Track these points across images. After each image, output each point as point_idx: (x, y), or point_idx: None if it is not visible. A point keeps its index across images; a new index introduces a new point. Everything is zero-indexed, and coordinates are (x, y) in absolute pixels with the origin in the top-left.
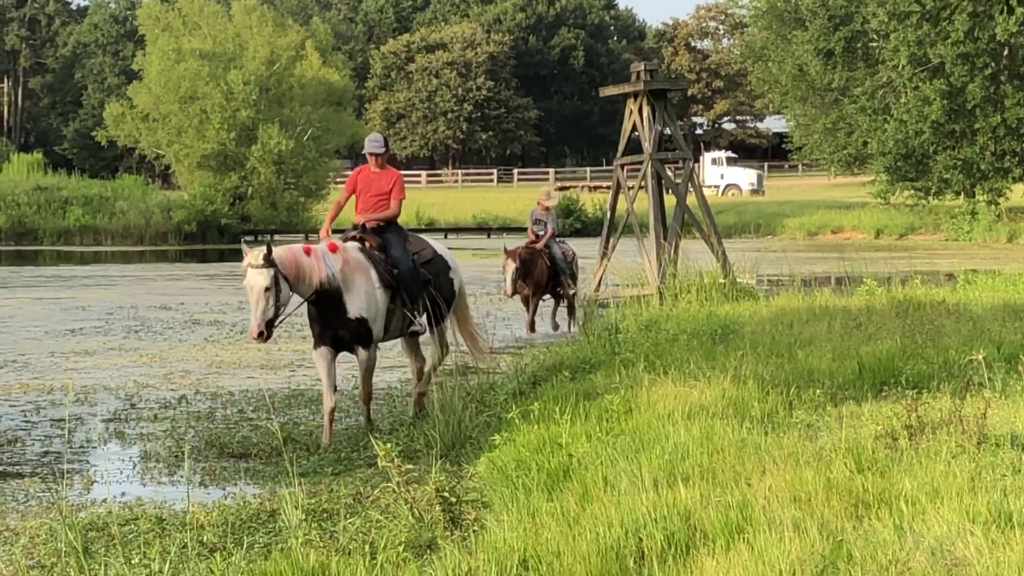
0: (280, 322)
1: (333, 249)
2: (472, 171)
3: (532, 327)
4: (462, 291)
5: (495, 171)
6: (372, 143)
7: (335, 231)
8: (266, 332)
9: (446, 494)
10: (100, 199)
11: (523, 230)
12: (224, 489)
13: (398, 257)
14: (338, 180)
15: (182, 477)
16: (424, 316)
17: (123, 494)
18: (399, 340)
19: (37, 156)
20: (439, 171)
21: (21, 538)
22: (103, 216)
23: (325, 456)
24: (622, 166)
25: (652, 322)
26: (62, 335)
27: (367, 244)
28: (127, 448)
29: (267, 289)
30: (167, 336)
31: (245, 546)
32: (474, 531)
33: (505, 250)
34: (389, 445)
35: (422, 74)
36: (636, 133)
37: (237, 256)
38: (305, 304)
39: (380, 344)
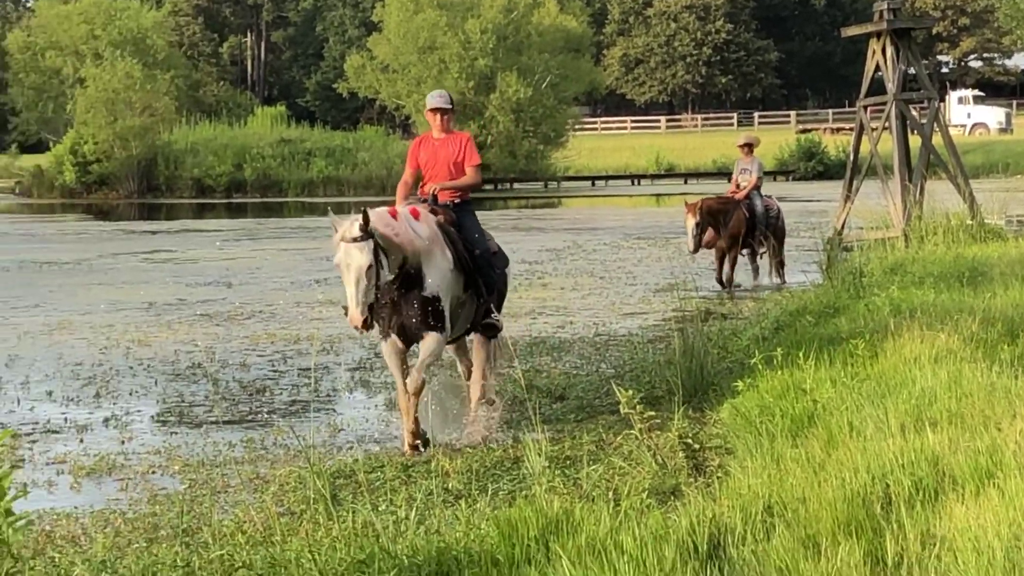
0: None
1: (416, 215)
2: (712, 116)
3: (729, 282)
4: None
5: (735, 115)
6: (437, 98)
7: None
8: (370, 318)
9: (689, 440)
10: (342, 150)
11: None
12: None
13: (475, 240)
14: (576, 128)
15: (427, 425)
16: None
17: (369, 441)
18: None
19: (280, 109)
20: (678, 116)
21: (271, 486)
22: (345, 167)
23: (568, 404)
24: (865, 107)
25: (897, 265)
26: (307, 285)
27: (441, 218)
28: (372, 396)
29: (369, 267)
30: None
31: (489, 493)
32: (718, 478)
33: (686, 204)
34: (631, 392)
35: (660, 18)
36: (879, 73)
37: (477, 205)
38: None
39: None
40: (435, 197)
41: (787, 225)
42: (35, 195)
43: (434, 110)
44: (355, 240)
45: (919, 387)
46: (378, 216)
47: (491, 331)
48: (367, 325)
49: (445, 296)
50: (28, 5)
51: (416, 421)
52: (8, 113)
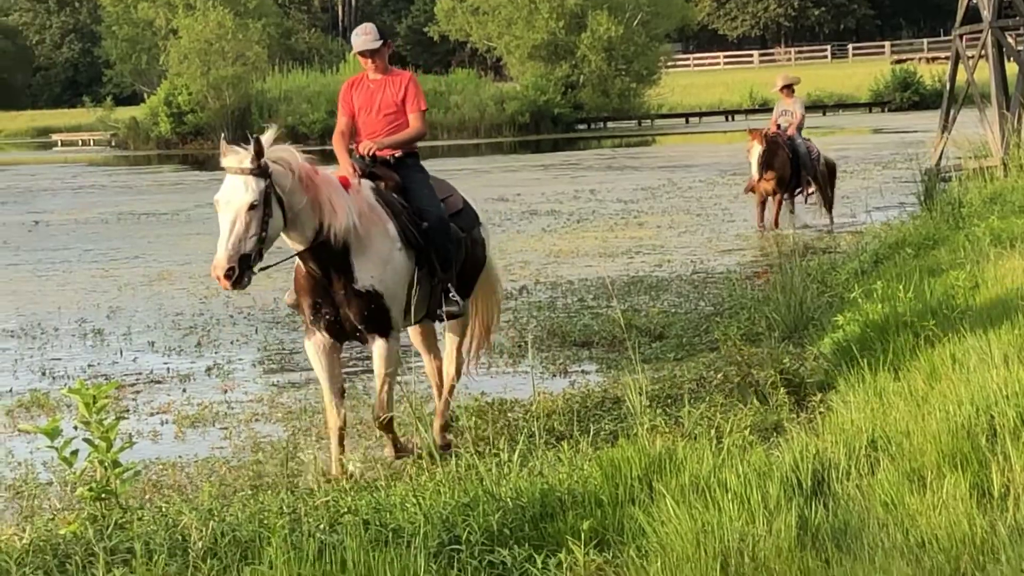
0: (263, 269)
1: (345, 184)
2: (805, 48)
3: (775, 223)
4: (492, 256)
5: (828, 47)
6: (364, 38)
7: None
8: (237, 270)
9: (790, 376)
10: (435, 94)
11: (860, 105)
12: (568, 378)
13: (424, 205)
14: (669, 65)
15: (527, 367)
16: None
17: (470, 386)
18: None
19: None
20: (771, 50)
21: (374, 431)
22: (438, 110)
23: (667, 342)
24: (961, 36)
25: (997, 195)
26: (504, 216)
27: (382, 184)
28: (497, 342)
29: (252, 207)
30: (505, 227)
31: (591, 434)
32: (820, 413)
33: (749, 131)
34: (731, 328)
35: None
36: (974, 1)
37: (571, 145)
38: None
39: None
40: (373, 157)
41: (877, 157)
42: (131, 147)
43: (362, 55)
44: (243, 170)
45: (1022, 318)
46: (287, 152)
47: (451, 317)
48: (234, 281)
49: (388, 286)
50: None
51: (396, 441)
52: (102, 66)
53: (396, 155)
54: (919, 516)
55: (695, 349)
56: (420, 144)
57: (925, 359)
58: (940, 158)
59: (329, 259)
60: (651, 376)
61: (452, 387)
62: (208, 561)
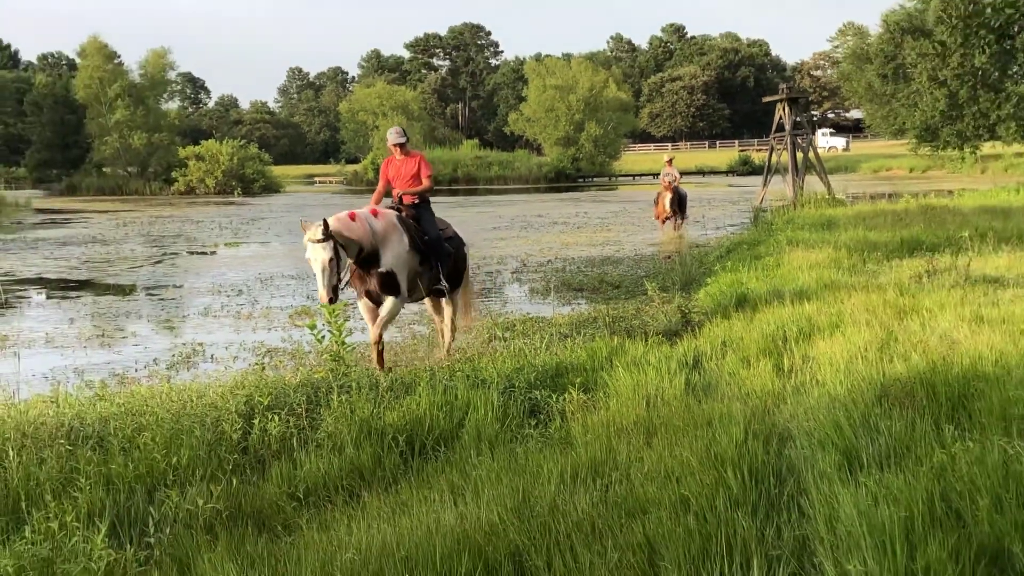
0: (345, 285)
1: (375, 214)
2: (695, 142)
3: (675, 230)
4: (468, 265)
5: (706, 143)
6: (393, 135)
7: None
8: (334, 296)
9: (684, 310)
10: (506, 161)
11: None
12: (570, 305)
13: (427, 226)
14: (625, 149)
15: (550, 301)
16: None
17: (517, 309)
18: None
19: (474, 141)
20: (678, 143)
21: (472, 332)
22: (508, 170)
23: (620, 290)
24: (774, 138)
25: (790, 219)
26: (489, 230)
27: (403, 213)
28: (522, 286)
29: (331, 260)
30: (539, 229)
31: (582, 335)
32: (698, 326)
33: (664, 186)
34: (654, 283)
35: (669, 94)
36: (781, 120)
37: (574, 189)
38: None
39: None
40: (401, 200)
41: (724, 199)
42: (353, 184)
43: (394, 145)
44: (319, 241)
45: (800, 281)
46: (336, 220)
47: (441, 294)
48: (332, 301)
49: (401, 270)
50: (350, 88)
51: (381, 355)
52: (340, 143)
53: (415, 200)
54: (746, 380)
55: (635, 294)
56: (465, 188)
57: (751, 301)
58: (761, 200)
59: (365, 261)
60: (611, 306)
61: (451, 341)
62: (388, 393)
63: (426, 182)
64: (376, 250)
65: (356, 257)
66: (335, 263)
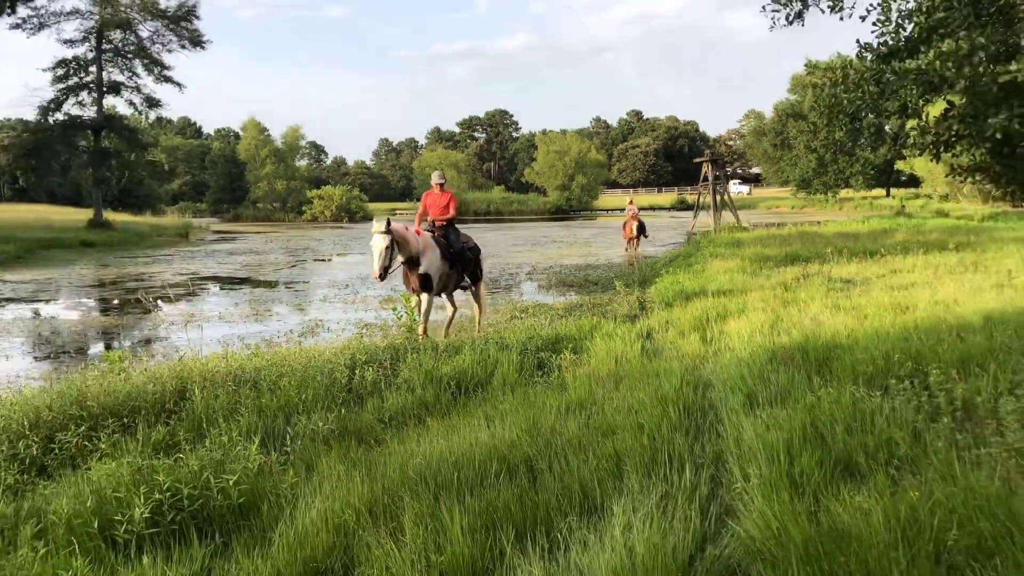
0: (392, 271)
1: (418, 233)
2: (651, 188)
3: (635, 250)
4: (484, 268)
5: (657, 188)
6: (436, 176)
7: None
8: (383, 275)
9: (641, 300)
10: (522, 200)
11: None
12: (565, 295)
13: (453, 242)
14: (601, 192)
15: (551, 292)
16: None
17: (529, 298)
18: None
19: (501, 187)
20: (638, 188)
21: (496, 314)
22: (522, 207)
23: (598, 285)
24: (701, 185)
25: (711, 240)
26: (510, 245)
27: (436, 233)
28: (533, 283)
29: (387, 248)
30: (544, 245)
31: (573, 315)
32: (650, 311)
33: (628, 218)
34: (620, 282)
35: (631, 156)
36: (706, 174)
37: (568, 219)
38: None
39: (444, 293)
40: (434, 223)
41: (668, 227)
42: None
43: (435, 183)
44: (381, 232)
45: (719, 281)
46: (398, 224)
47: (466, 290)
48: (381, 278)
49: (434, 273)
50: (419, 152)
51: (425, 331)
52: (412, 188)
53: (444, 224)
54: (682, 347)
55: (607, 288)
56: (485, 219)
57: (685, 295)
58: (693, 227)
59: (412, 263)
60: (593, 297)
61: (481, 322)
62: (444, 354)
63: (452, 212)
64: (418, 257)
65: (406, 257)
66: (389, 251)
